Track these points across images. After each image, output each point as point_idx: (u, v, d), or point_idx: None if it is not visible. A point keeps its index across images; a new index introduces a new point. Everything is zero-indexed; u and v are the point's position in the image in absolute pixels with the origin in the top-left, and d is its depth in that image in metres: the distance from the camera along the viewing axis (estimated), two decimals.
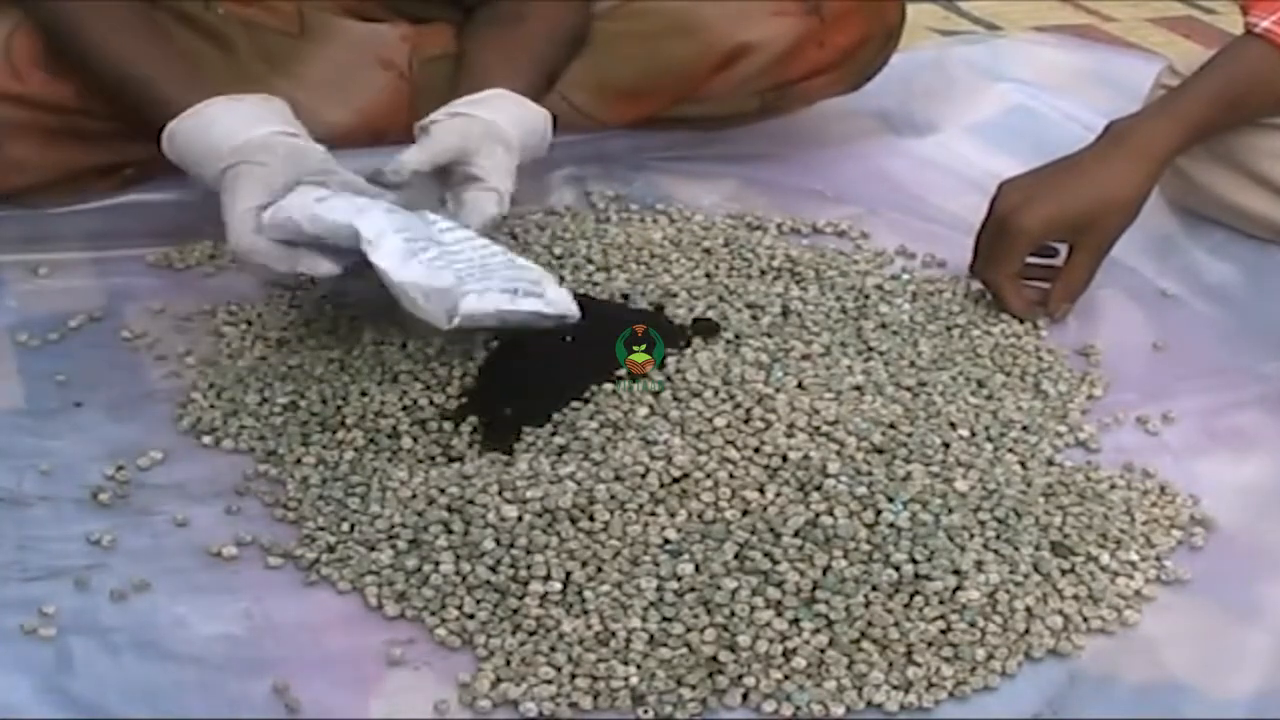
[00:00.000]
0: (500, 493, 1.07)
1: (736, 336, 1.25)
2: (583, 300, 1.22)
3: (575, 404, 1.15)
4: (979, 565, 1.05)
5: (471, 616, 1.01)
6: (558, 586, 1.02)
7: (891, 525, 1.05)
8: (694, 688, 0.97)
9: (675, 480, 1.08)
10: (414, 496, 1.09)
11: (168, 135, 1.24)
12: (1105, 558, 1.09)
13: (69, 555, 1.05)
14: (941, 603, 1.02)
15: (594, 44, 1.50)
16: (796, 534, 1.05)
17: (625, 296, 1.31)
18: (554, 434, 1.14)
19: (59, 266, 1.38)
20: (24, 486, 1.11)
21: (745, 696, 0.97)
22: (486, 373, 1.20)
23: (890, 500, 1.07)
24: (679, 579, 1.02)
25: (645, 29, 1.51)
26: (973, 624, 1.02)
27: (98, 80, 1.32)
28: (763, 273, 1.39)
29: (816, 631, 1.00)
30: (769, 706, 0.97)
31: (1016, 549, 1.07)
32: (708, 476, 1.08)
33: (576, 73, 1.49)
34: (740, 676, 0.98)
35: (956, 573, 1.04)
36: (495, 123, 1.29)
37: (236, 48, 1.42)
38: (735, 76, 1.54)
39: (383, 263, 1.12)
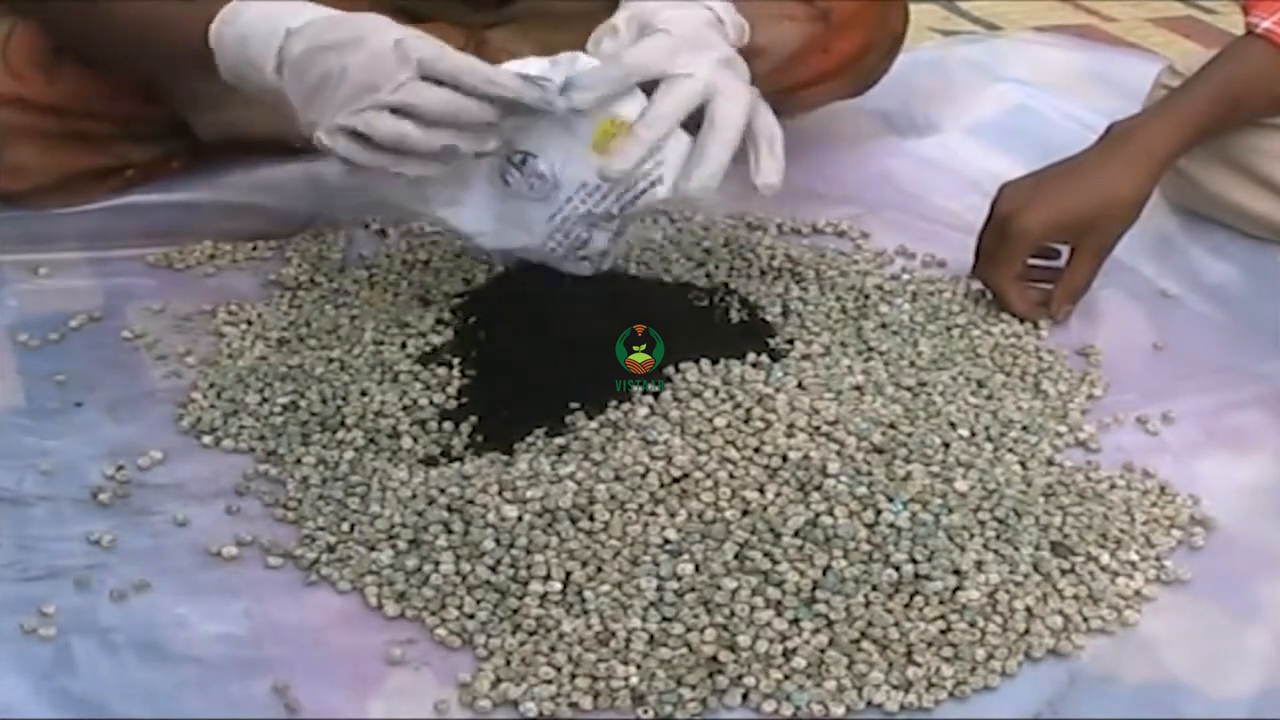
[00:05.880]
0: (500, 493, 1.07)
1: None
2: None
3: (574, 404, 1.15)
4: (979, 565, 1.05)
5: (471, 616, 1.01)
6: (558, 586, 1.02)
7: (891, 525, 1.05)
8: (694, 688, 0.97)
9: (675, 480, 1.08)
10: (414, 496, 1.09)
11: (216, 35, 1.16)
12: (1105, 558, 1.09)
13: (69, 555, 1.05)
14: (941, 603, 1.02)
15: None
16: (796, 534, 1.05)
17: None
18: (554, 434, 1.14)
19: (59, 266, 1.38)
20: (24, 486, 1.11)
21: (745, 696, 0.97)
22: (486, 373, 1.20)
23: (890, 500, 1.07)
24: (679, 579, 1.02)
25: None
26: (973, 624, 1.02)
27: (119, 42, 1.26)
28: (763, 273, 1.38)
29: (816, 631, 1.00)
30: (769, 706, 0.97)
31: (1016, 549, 1.07)
32: (708, 476, 1.08)
33: None
34: (740, 676, 0.98)
35: (956, 573, 1.04)
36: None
37: None
38: None
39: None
